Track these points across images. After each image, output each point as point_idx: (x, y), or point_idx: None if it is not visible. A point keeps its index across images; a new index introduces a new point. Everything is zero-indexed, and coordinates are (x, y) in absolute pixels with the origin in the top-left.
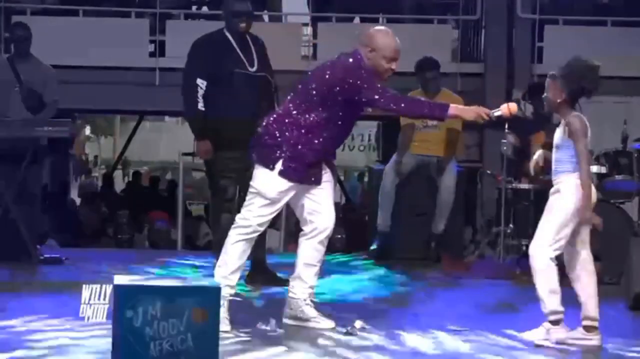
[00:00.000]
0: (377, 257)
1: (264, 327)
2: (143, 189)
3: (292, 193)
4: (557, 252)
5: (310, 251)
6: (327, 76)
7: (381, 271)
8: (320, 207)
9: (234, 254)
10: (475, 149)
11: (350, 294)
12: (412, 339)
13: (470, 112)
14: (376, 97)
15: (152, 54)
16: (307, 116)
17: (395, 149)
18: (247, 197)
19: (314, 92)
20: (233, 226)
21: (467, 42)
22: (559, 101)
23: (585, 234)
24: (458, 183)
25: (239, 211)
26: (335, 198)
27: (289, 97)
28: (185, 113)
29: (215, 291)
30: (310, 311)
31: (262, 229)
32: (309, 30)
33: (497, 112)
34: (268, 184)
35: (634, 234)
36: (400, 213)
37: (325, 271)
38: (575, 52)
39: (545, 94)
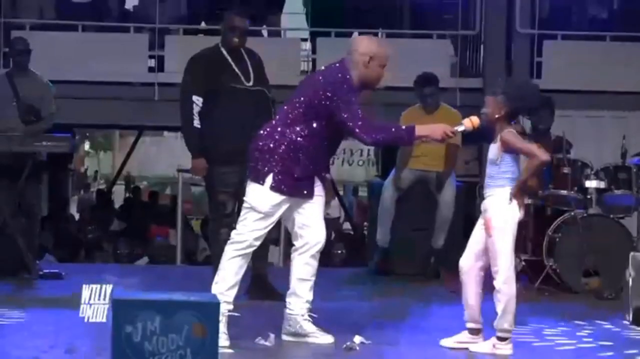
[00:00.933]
0: (376, 271)
1: (262, 342)
2: (143, 204)
3: (285, 206)
4: (512, 271)
5: (303, 266)
6: (313, 88)
7: (380, 286)
8: (310, 222)
9: (230, 270)
10: (475, 163)
11: (350, 308)
12: (412, 354)
13: (438, 130)
14: (345, 115)
15: (151, 69)
16: (295, 128)
17: (395, 164)
18: (242, 213)
19: (301, 104)
20: (229, 241)
21: (465, 57)
22: (497, 116)
23: None
24: (457, 198)
25: None
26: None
27: (279, 111)
28: (181, 130)
29: (215, 306)
30: (309, 327)
31: (258, 243)
32: (307, 45)
33: (460, 127)
34: (260, 199)
35: (633, 249)
36: (400, 228)
37: (324, 285)
38: (573, 67)
39: (483, 109)
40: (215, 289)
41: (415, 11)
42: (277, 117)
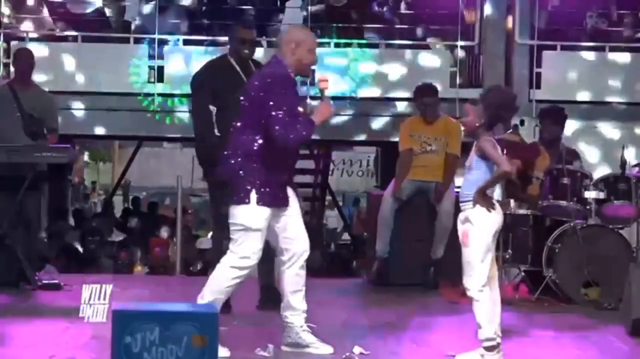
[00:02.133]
0: (375, 282)
1: (262, 353)
2: (142, 215)
3: (270, 219)
4: (486, 279)
5: (293, 278)
6: (253, 93)
7: (380, 296)
8: (293, 233)
9: (227, 292)
10: None
11: (349, 319)
12: None
13: (325, 110)
14: (273, 113)
15: (150, 80)
16: (255, 138)
17: (394, 175)
18: (236, 236)
19: (251, 112)
20: (230, 265)
21: (465, 68)
22: (477, 124)
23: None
24: (457, 209)
25: None
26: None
27: (234, 122)
28: (202, 141)
29: (214, 317)
30: (308, 337)
31: (257, 261)
32: None
33: (325, 92)
34: (252, 217)
35: (632, 260)
36: (399, 239)
37: (324, 295)
38: (572, 78)
39: (463, 119)
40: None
41: (415, 22)
42: (236, 131)
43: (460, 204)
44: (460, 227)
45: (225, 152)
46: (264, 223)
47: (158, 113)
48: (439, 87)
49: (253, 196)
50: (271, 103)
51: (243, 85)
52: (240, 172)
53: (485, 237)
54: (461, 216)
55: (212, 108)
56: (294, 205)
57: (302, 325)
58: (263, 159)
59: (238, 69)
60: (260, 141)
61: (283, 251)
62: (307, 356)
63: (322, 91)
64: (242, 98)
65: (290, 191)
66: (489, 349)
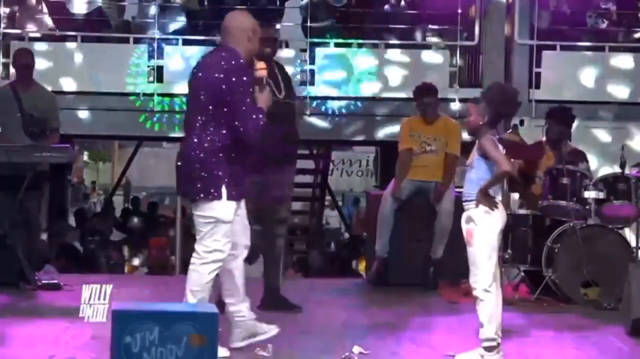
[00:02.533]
0: (375, 282)
1: (261, 353)
2: (142, 215)
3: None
4: (492, 279)
5: (242, 271)
6: (213, 84)
7: (379, 296)
8: (240, 226)
9: (209, 286)
10: None
11: (348, 319)
12: None
13: (264, 98)
14: (238, 103)
15: (150, 80)
16: (217, 131)
17: (394, 175)
18: (206, 230)
19: (208, 106)
20: (203, 262)
21: (465, 68)
22: (481, 123)
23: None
24: (456, 208)
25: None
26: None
27: (192, 118)
28: None
29: (213, 316)
30: (261, 326)
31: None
32: (306, 56)
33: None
34: (224, 211)
35: (632, 260)
36: (399, 238)
37: (323, 295)
38: (572, 78)
39: (467, 119)
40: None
41: (414, 21)
42: (196, 124)
43: (464, 204)
44: (465, 227)
45: (189, 147)
46: (233, 216)
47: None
48: (439, 87)
49: (224, 191)
50: (235, 93)
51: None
52: (209, 167)
53: (490, 236)
54: (465, 215)
55: None
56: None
57: (252, 316)
58: (229, 152)
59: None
60: (224, 134)
61: (232, 245)
62: (306, 355)
63: (260, 79)
64: (201, 92)
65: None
66: (488, 349)
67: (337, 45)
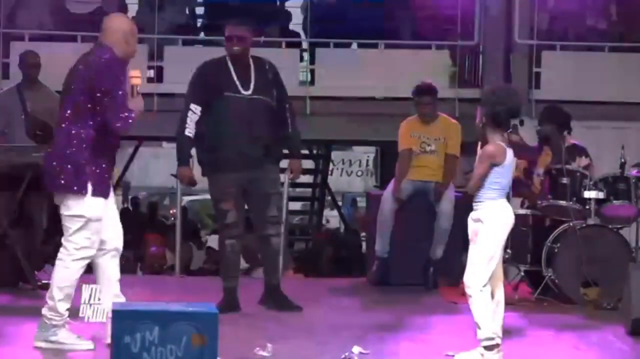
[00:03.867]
0: (375, 282)
1: (261, 353)
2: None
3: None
4: (488, 280)
5: (112, 267)
6: (81, 80)
7: (379, 297)
8: (109, 223)
9: (76, 282)
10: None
11: (348, 319)
12: None
13: (137, 105)
14: (110, 100)
15: (150, 80)
16: (84, 126)
17: (393, 175)
18: (75, 227)
19: (77, 100)
20: (73, 259)
21: (465, 68)
22: (480, 125)
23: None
24: (456, 209)
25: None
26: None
27: (62, 113)
28: (176, 136)
29: (213, 316)
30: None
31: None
32: (306, 56)
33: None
34: (91, 207)
35: (632, 260)
36: (399, 239)
37: (323, 295)
38: (572, 78)
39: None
40: (63, 306)
41: (414, 21)
42: (64, 119)
43: (473, 204)
44: (471, 225)
45: (57, 143)
46: (101, 213)
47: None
48: (439, 87)
49: (89, 187)
50: (106, 90)
51: (230, 83)
52: (75, 163)
53: (496, 237)
54: (473, 215)
55: (196, 107)
56: (112, 194)
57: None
58: (95, 148)
59: (231, 67)
60: (92, 131)
61: (102, 241)
62: (307, 354)
63: (133, 87)
64: (72, 87)
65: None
66: (488, 348)
67: (337, 45)
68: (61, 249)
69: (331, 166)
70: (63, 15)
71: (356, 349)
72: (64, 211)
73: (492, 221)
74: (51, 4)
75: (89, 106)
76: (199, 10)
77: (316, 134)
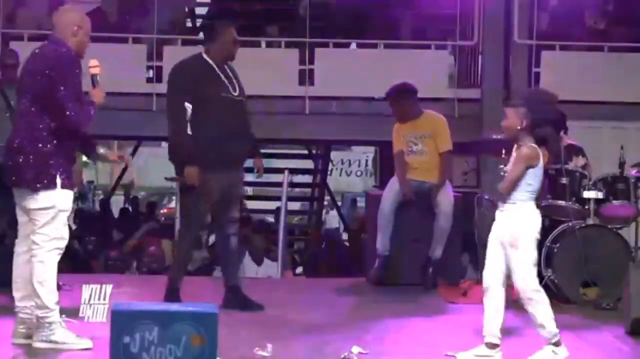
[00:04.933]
0: (375, 282)
1: (261, 353)
2: (140, 215)
3: None
4: (537, 279)
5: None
6: (35, 75)
7: (378, 296)
8: None
9: (55, 275)
10: (473, 174)
11: (348, 319)
12: None
13: (98, 95)
14: (64, 94)
15: (149, 80)
16: (48, 121)
17: (392, 175)
18: (45, 220)
19: (36, 96)
20: (47, 250)
21: (464, 68)
22: (519, 128)
23: None
24: (455, 209)
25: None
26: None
27: (23, 108)
28: (172, 138)
29: (213, 316)
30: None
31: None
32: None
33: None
34: (61, 199)
35: (631, 260)
36: (398, 238)
37: (323, 295)
38: (572, 78)
39: (503, 122)
40: (51, 299)
41: (413, 22)
42: (24, 116)
43: (500, 204)
44: (507, 231)
45: (20, 137)
46: (70, 205)
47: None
48: (439, 87)
49: (58, 180)
50: (61, 84)
51: (222, 84)
52: (41, 156)
53: (534, 239)
54: (505, 216)
55: (188, 105)
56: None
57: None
58: (58, 142)
59: (216, 68)
60: (54, 123)
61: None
62: (306, 354)
63: (93, 76)
64: (31, 82)
65: None
66: (557, 344)
67: (336, 45)
68: (32, 246)
69: (330, 166)
70: None
71: (356, 349)
72: (31, 205)
73: (528, 224)
74: (51, 4)
75: (50, 100)
76: (199, 10)
77: (316, 134)
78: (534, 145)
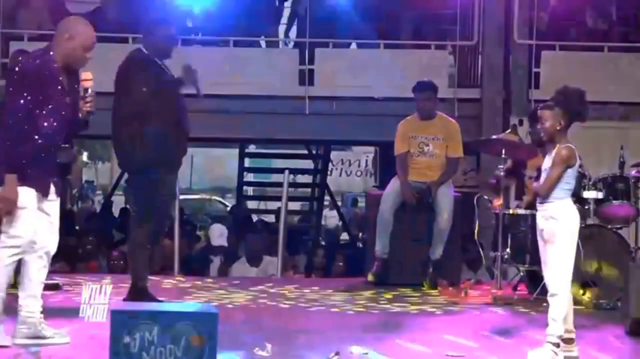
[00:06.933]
0: (374, 282)
1: (260, 353)
2: None
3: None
4: (570, 276)
5: (39, 267)
6: (17, 78)
7: (379, 296)
8: (44, 225)
9: (7, 272)
10: (473, 174)
11: (348, 319)
12: None
13: (84, 108)
14: (38, 105)
15: None
16: (24, 122)
17: (393, 175)
18: (11, 219)
19: (14, 97)
20: (3, 246)
21: (464, 68)
22: (558, 128)
23: None
24: (455, 209)
25: None
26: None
27: (4, 110)
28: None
29: (213, 316)
30: (47, 330)
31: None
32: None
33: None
34: (24, 197)
35: (631, 260)
36: (399, 239)
37: (323, 295)
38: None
39: (541, 124)
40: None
41: (413, 21)
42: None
43: (539, 204)
44: (544, 225)
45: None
46: (33, 205)
47: None
48: (438, 87)
49: (17, 175)
50: (22, 93)
51: (177, 83)
52: (6, 154)
53: (573, 235)
54: (544, 214)
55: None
56: (55, 200)
57: (41, 317)
58: (28, 144)
59: (160, 64)
60: (31, 129)
61: (34, 242)
62: (307, 353)
63: (86, 89)
64: (10, 87)
65: (52, 187)
66: (557, 345)
67: (335, 46)
68: None
69: (330, 166)
70: (63, 15)
71: (356, 349)
72: None
73: (567, 220)
74: (51, 4)
75: (24, 105)
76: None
77: (315, 134)
78: (571, 145)
